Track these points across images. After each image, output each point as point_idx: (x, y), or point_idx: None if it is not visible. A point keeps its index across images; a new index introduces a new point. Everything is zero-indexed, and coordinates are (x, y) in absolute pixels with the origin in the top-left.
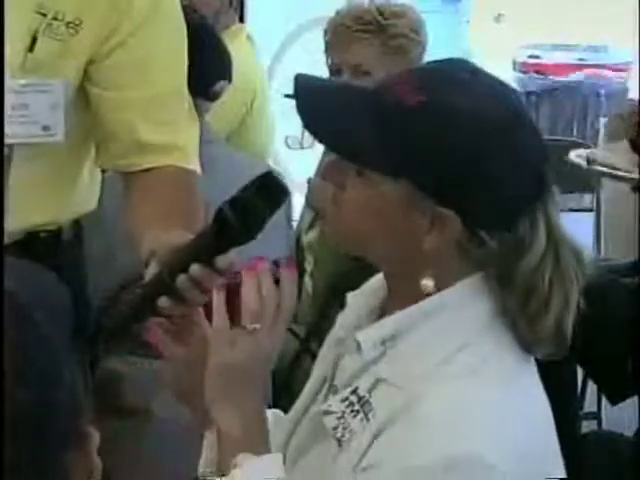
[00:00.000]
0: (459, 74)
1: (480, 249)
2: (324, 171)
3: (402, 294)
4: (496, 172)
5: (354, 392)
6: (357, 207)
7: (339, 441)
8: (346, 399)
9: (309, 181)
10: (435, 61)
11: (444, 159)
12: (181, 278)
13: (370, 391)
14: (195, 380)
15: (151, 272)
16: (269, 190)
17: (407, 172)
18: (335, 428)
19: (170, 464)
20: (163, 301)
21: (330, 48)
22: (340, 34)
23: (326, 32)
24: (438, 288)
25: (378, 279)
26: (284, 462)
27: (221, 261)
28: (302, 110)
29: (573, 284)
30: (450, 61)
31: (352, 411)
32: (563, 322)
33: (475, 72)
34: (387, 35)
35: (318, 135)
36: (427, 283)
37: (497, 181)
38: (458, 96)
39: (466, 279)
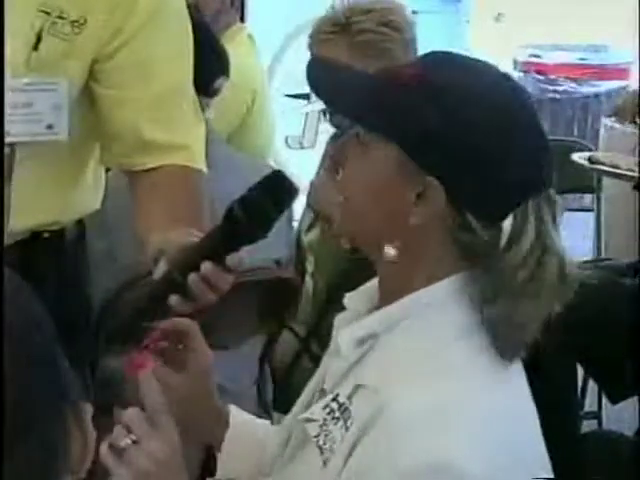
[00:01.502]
0: (461, 58)
1: (466, 235)
2: (330, 150)
3: (391, 291)
4: (489, 150)
5: (335, 399)
6: (355, 180)
7: (320, 449)
8: (327, 406)
9: (312, 183)
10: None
11: (432, 128)
12: (192, 276)
13: (350, 397)
14: (192, 410)
15: (160, 270)
16: (278, 189)
17: (396, 135)
18: (317, 436)
19: None
20: (174, 299)
21: (311, 52)
22: (315, 38)
23: (309, 37)
24: (425, 282)
25: (375, 282)
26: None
27: (231, 259)
28: (311, 75)
29: (550, 299)
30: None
31: (333, 418)
32: (526, 329)
33: (480, 62)
34: (352, 33)
35: (325, 96)
36: (389, 251)
37: (489, 159)
38: (458, 73)
39: (449, 277)
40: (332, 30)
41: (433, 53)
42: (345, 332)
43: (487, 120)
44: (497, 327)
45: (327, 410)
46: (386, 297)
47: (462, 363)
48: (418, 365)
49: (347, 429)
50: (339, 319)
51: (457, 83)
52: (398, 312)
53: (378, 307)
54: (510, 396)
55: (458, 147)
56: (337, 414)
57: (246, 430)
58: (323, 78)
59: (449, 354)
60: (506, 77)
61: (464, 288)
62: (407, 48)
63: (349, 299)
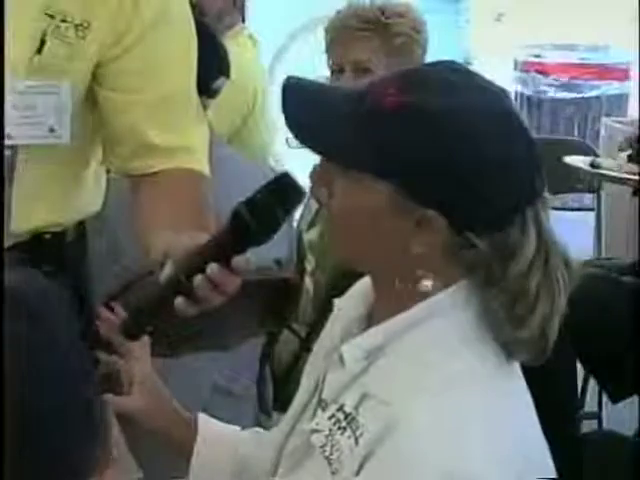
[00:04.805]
0: (445, 76)
1: (469, 251)
2: (314, 177)
3: (391, 302)
4: (480, 173)
5: (340, 409)
6: (345, 212)
7: (328, 459)
8: (333, 416)
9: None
10: (425, 64)
11: (424, 160)
12: (198, 278)
13: (357, 407)
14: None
15: (166, 273)
16: (286, 191)
17: (388, 173)
18: (323, 446)
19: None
20: (180, 302)
21: (331, 47)
22: (342, 33)
23: (327, 32)
24: (426, 294)
25: (366, 283)
26: (277, 476)
27: (237, 261)
28: (287, 113)
29: (561, 291)
30: (439, 63)
31: (339, 428)
32: (547, 327)
33: (462, 74)
34: (389, 34)
35: (302, 137)
36: (426, 283)
37: (481, 182)
38: (439, 98)
39: (453, 286)
40: (367, 28)
41: (412, 71)
42: (350, 345)
43: (475, 138)
44: (510, 334)
45: (333, 420)
46: (386, 310)
47: (468, 370)
48: (425, 375)
49: (356, 440)
50: (329, 326)
51: (442, 108)
52: (403, 324)
53: (374, 314)
54: (515, 399)
55: (451, 174)
56: (343, 424)
57: (217, 437)
58: (299, 117)
59: (455, 362)
60: (484, 84)
61: (466, 297)
62: (424, 50)
63: (339, 304)
